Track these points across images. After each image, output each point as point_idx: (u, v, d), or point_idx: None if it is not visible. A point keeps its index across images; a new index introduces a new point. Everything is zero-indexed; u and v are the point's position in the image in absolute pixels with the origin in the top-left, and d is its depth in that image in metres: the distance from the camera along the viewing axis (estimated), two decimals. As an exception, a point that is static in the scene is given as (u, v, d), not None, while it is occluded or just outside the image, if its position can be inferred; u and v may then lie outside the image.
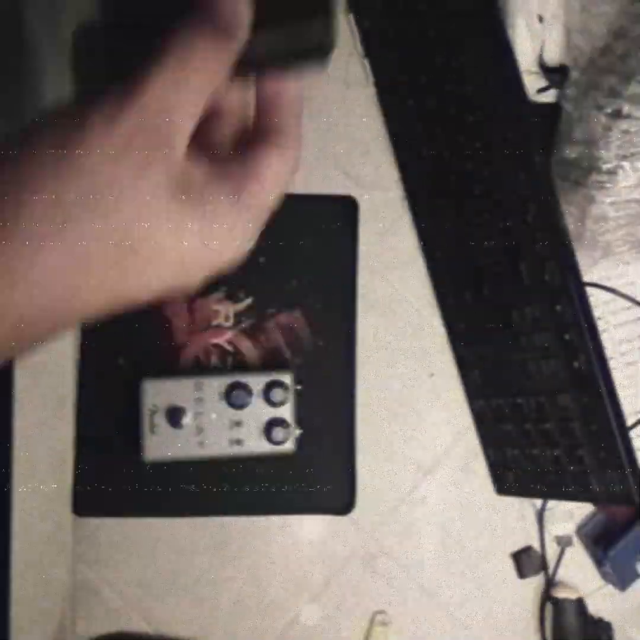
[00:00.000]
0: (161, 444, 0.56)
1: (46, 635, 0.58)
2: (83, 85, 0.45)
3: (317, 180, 0.60)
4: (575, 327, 0.52)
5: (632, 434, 0.53)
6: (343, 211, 0.60)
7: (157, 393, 0.56)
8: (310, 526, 0.60)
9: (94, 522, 0.59)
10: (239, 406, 0.56)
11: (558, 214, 0.52)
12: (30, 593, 0.58)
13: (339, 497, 0.59)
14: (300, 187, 0.60)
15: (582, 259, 0.54)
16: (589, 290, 0.54)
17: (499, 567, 0.61)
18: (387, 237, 0.61)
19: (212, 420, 0.56)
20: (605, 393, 0.52)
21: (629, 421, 0.53)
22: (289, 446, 0.56)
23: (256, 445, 0.56)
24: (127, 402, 0.58)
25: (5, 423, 0.59)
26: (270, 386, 0.56)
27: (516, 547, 0.61)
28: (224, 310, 0.59)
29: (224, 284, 0.59)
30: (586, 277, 0.54)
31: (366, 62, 0.60)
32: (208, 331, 0.60)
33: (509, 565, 0.61)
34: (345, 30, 0.60)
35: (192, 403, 0.56)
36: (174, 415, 0.55)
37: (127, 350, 0.59)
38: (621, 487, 0.52)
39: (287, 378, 0.57)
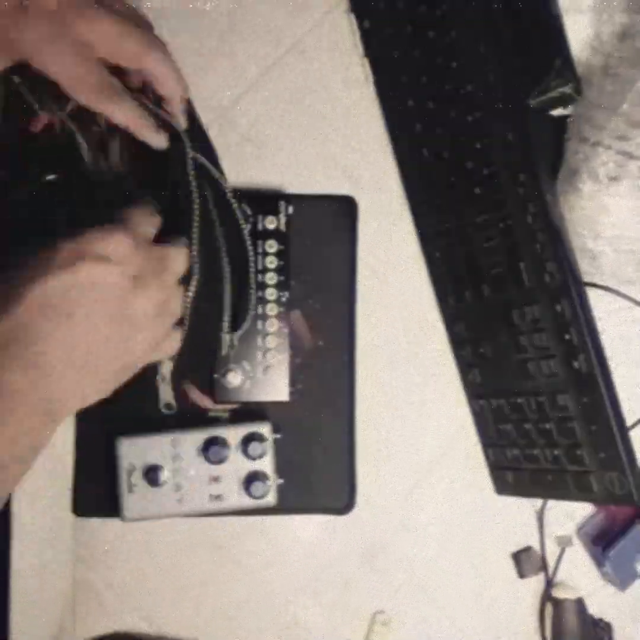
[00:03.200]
0: (139, 503, 0.55)
1: (46, 635, 0.58)
2: None
3: (317, 180, 0.60)
4: (575, 327, 0.52)
5: (632, 434, 0.53)
6: (342, 211, 0.60)
7: (133, 451, 0.55)
8: (310, 526, 0.60)
9: (93, 522, 0.59)
10: (217, 461, 0.55)
11: (558, 215, 0.52)
12: (30, 593, 0.58)
13: (339, 497, 0.59)
14: (300, 187, 0.60)
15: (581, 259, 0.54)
16: (589, 290, 0.54)
17: (498, 567, 0.61)
18: (387, 237, 0.61)
19: (191, 476, 0.55)
20: (605, 393, 0.52)
21: (629, 421, 0.53)
22: (270, 500, 0.56)
23: (236, 500, 0.56)
24: (128, 405, 0.57)
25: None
26: (248, 439, 0.55)
27: (516, 547, 0.61)
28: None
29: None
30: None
31: (366, 62, 0.60)
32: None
33: (509, 565, 0.61)
34: (346, 30, 0.60)
35: (169, 460, 0.55)
36: (152, 474, 0.55)
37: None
38: (621, 487, 0.52)
39: (265, 429, 0.56)
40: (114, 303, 0.42)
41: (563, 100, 0.53)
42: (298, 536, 0.60)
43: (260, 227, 0.57)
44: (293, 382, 0.56)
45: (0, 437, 0.39)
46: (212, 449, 0.55)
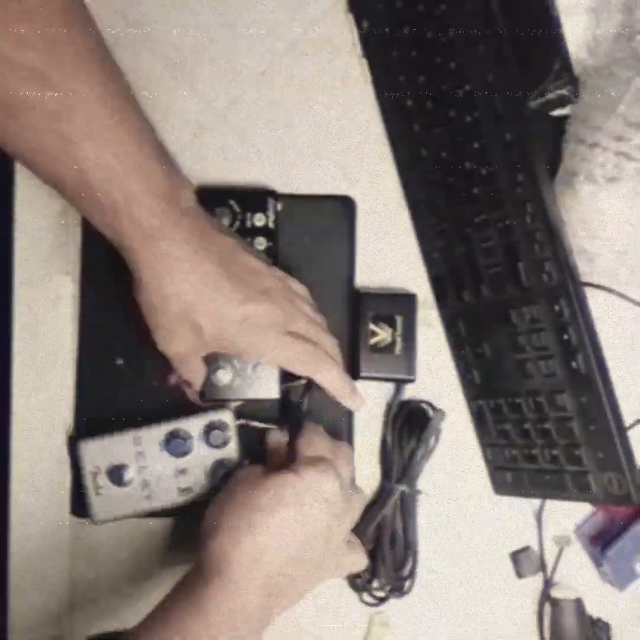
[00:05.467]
0: (108, 504, 0.55)
1: (46, 635, 0.59)
2: None
3: (316, 180, 0.60)
4: (573, 326, 0.52)
5: (631, 434, 0.53)
6: (341, 211, 0.60)
7: (95, 453, 0.55)
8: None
9: (92, 522, 0.59)
10: (181, 454, 0.55)
11: (556, 215, 0.52)
12: (29, 593, 0.58)
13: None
14: (298, 187, 0.60)
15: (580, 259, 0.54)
16: (587, 290, 0.54)
17: (497, 567, 0.61)
18: (386, 237, 0.61)
19: (156, 472, 0.55)
20: (604, 393, 0.52)
21: (628, 421, 0.53)
22: None
23: (206, 490, 0.56)
24: (125, 405, 0.57)
25: (4, 424, 0.59)
26: (209, 428, 0.55)
27: (514, 547, 0.61)
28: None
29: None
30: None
31: (364, 62, 0.60)
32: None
33: (508, 566, 0.61)
34: (344, 30, 0.60)
35: (133, 458, 0.55)
36: (116, 474, 0.55)
37: (126, 351, 0.58)
38: (619, 487, 0.52)
39: (226, 416, 0.56)
40: (323, 533, 0.51)
41: (561, 102, 0.53)
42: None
43: (248, 224, 0.57)
44: (284, 380, 0.56)
45: None
46: (173, 442, 0.55)
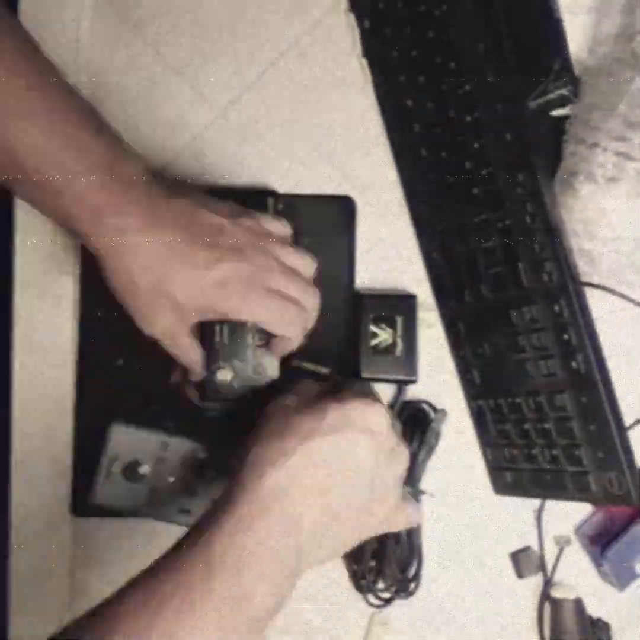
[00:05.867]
0: (111, 492, 0.55)
1: (46, 636, 0.58)
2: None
3: (316, 180, 0.60)
4: (573, 327, 0.52)
5: (631, 434, 0.53)
6: (341, 211, 0.60)
7: (122, 441, 0.55)
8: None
9: (92, 522, 0.59)
10: (199, 476, 0.55)
11: (557, 215, 0.52)
12: (29, 593, 0.58)
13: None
14: (299, 187, 0.60)
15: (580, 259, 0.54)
16: (587, 290, 0.54)
17: (497, 567, 0.61)
18: (386, 237, 0.61)
19: (168, 483, 0.55)
20: (604, 393, 0.52)
21: (628, 421, 0.53)
22: None
23: None
24: (126, 406, 0.57)
25: (4, 424, 0.59)
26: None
27: (514, 547, 0.61)
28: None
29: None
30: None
31: (365, 62, 0.60)
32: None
33: (508, 565, 0.61)
34: (345, 30, 0.60)
35: (153, 461, 0.55)
36: (131, 468, 0.55)
37: (126, 351, 0.58)
38: (620, 487, 0.52)
39: None
40: (367, 472, 0.45)
41: (561, 102, 0.53)
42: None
43: None
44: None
45: (262, 594, 0.41)
46: (196, 462, 0.55)
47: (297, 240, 0.57)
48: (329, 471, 0.44)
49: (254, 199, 0.57)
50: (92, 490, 0.55)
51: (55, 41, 0.59)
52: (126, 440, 0.55)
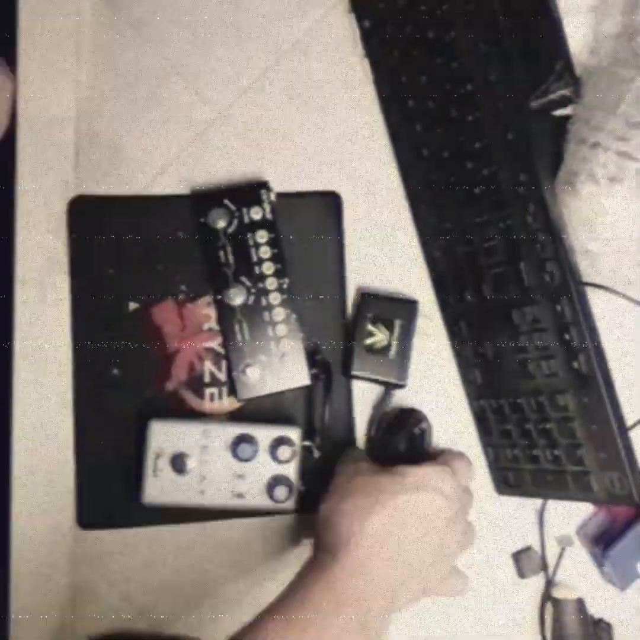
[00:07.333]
0: (162, 489, 0.55)
1: (46, 635, 0.58)
2: None
3: (317, 180, 0.60)
4: (575, 327, 0.52)
5: (632, 434, 0.53)
6: (327, 206, 0.60)
7: (163, 436, 0.55)
8: (309, 526, 0.60)
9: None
10: (245, 459, 0.55)
11: (558, 215, 0.52)
12: (30, 593, 0.58)
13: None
14: (300, 187, 0.60)
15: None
16: (589, 290, 0.54)
17: (499, 567, 0.61)
18: (387, 237, 0.61)
19: (216, 470, 0.55)
20: (605, 393, 0.52)
21: (629, 421, 0.53)
22: (289, 505, 0.56)
23: (257, 501, 0.56)
24: (124, 415, 0.58)
25: (5, 427, 0.59)
26: (277, 442, 0.55)
27: (516, 547, 0.61)
28: (214, 314, 0.59)
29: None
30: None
31: (366, 62, 0.60)
32: (199, 335, 0.59)
33: (509, 565, 0.61)
34: (346, 30, 0.60)
35: (197, 450, 0.55)
36: (179, 461, 0.55)
37: (121, 361, 0.58)
38: (621, 487, 0.52)
39: (294, 434, 0.56)
40: (438, 531, 0.50)
41: (563, 102, 0.53)
42: (299, 536, 0.60)
43: (246, 219, 0.57)
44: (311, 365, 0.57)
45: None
46: (241, 446, 0.55)
47: (285, 238, 0.57)
48: (412, 522, 0.49)
49: (247, 194, 0.57)
50: (143, 492, 0.55)
51: (56, 41, 0.59)
52: (167, 435, 0.55)
